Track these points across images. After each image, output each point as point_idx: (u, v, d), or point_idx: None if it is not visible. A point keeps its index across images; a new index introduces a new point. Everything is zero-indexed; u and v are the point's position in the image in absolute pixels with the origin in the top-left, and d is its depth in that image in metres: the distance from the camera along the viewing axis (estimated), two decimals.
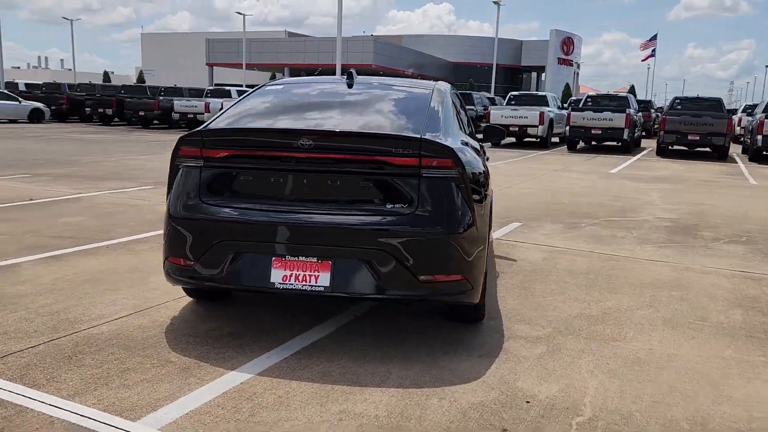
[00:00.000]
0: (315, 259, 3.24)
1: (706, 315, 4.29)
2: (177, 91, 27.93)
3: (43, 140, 17.73)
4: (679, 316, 4.26)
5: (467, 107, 22.17)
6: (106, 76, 60.90)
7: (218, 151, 3.36)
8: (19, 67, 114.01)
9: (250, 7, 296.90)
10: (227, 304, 4.13)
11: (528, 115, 21.20)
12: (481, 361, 3.40)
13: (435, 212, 3.24)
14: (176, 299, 4.15)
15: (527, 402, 2.95)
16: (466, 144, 3.83)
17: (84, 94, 29.57)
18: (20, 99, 26.46)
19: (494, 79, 45.49)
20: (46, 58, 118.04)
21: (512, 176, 12.31)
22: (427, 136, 3.32)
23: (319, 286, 3.23)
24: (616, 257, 5.89)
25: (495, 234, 6.70)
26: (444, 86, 4.34)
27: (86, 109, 27.76)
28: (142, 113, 26.34)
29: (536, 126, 21.03)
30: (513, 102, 23.13)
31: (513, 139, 21.86)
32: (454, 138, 3.68)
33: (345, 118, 3.68)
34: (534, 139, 21.63)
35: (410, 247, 3.21)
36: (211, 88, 30.26)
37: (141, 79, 56.29)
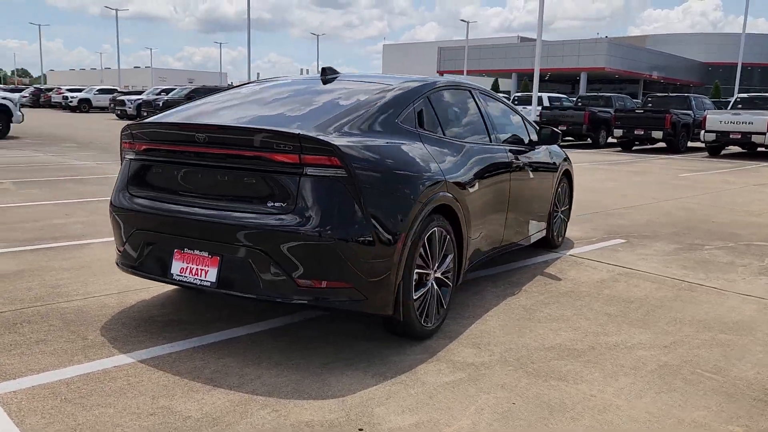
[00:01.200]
0: (206, 254, 3.25)
1: (729, 369, 3.40)
2: None
3: None
4: (689, 363, 3.45)
5: (681, 111, 20.22)
6: None
7: (140, 144, 3.52)
8: None
9: (495, 14, 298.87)
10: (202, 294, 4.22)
11: (753, 120, 18.38)
12: (367, 379, 3.11)
13: (315, 214, 3.05)
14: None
15: (360, 429, 2.64)
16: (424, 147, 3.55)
17: None
18: None
19: (738, 80, 40.10)
20: (307, 70, 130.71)
21: (686, 188, 10.82)
22: (316, 132, 3.11)
23: (206, 281, 3.23)
24: (697, 287, 4.91)
25: (576, 249, 6.00)
26: (418, 85, 3.99)
27: None
28: None
29: (764, 134, 18.16)
30: (739, 105, 20.22)
31: (737, 149, 19.14)
32: (388, 138, 3.41)
33: (258, 113, 3.59)
34: (765, 149, 18.71)
35: (287, 249, 3.05)
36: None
37: None
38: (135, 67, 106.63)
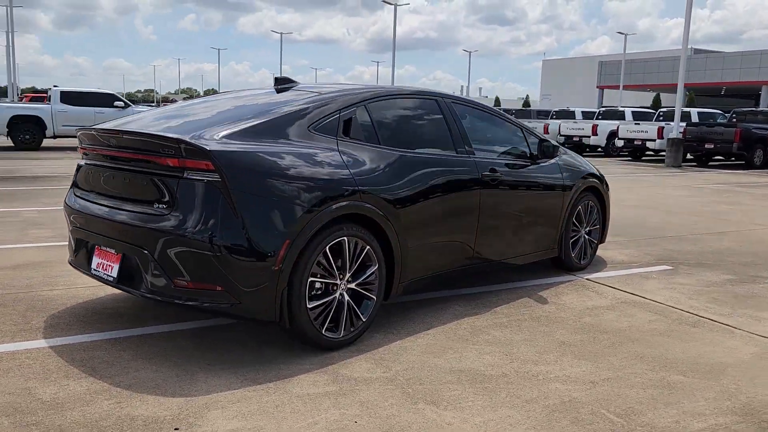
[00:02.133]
0: (113, 251, 3.47)
1: (643, 414, 2.99)
2: (570, 114, 27.44)
3: None
4: (601, 402, 3.08)
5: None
6: (497, 101, 65.12)
7: (82, 149, 3.85)
8: None
9: (676, 25, 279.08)
10: None
11: None
12: (233, 383, 3.13)
13: (188, 217, 3.15)
14: None
15: (176, 429, 2.68)
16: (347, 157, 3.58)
17: None
18: None
19: None
20: (465, 87, 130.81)
21: None
22: (197, 137, 3.20)
23: (110, 277, 3.45)
24: (705, 323, 4.33)
25: (600, 273, 5.52)
26: (354, 94, 3.92)
27: None
28: None
29: None
30: None
31: None
32: (289, 145, 3.43)
33: (172, 121, 3.72)
34: None
35: (164, 250, 3.18)
36: (602, 109, 28.33)
37: (526, 103, 58.61)
38: None
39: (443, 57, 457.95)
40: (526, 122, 25.70)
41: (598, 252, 6.31)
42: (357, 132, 3.81)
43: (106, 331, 3.76)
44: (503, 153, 4.89)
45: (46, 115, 18.32)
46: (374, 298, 3.74)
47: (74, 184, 3.94)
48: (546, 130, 25.18)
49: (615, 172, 16.74)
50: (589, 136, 23.75)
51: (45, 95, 30.72)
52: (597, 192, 5.71)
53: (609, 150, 23.60)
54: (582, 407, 3.01)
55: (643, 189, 12.82)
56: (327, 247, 3.43)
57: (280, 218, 3.26)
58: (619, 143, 22.34)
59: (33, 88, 75.94)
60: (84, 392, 2.97)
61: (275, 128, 3.48)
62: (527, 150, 5.04)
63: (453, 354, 3.62)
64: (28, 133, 18.19)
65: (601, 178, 5.77)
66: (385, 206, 3.71)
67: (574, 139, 24.37)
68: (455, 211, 4.24)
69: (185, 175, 3.19)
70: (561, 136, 24.79)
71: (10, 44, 40.64)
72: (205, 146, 3.14)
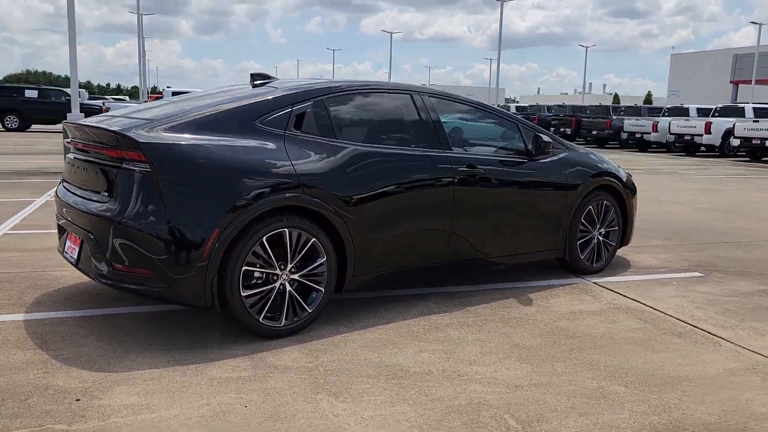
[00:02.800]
0: (77, 236, 3.76)
1: (549, 420, 2.85)
2: (683, 111, 25.41)
3: None
4: (512, 407, 2.95)
5: None
6: (616, 98, 61.77)
7: (67, 142, 4.18)
8: (567, 93, 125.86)
9: None
10: None
11: None
12: (158, 362, 3.30)
13: (122, 204, 3.36)
14: None
15: (77, 399, 2.88)
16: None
17: (551, 115, 31.43)
18: None
19: None
20: (591, 84, 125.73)
21: None
22: (133, 130, 3.40)
23: (73, 258, 3.75)
24: (695, 333, 4.02)
25: (612, 277, 5.23)
26: (311, 89, 3.97)
27: (550, 128, 29.57)
28: (595, 132, 26.60)
29: None
30: None
31: None
32: (230, 138, 3.55)
33: (134, 115, 3.91)
34: None
35: (105, 235, 3.41)
36: (720, 106, 25.18)
37: (648, 100, 55.31)
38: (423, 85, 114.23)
39: (566, 53, 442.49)
40: (634, 120, 24.37)
41: (628, 256, 5.96)
42: (310, 126, 3.86)
43: (79, 309, 4.07)
44: (494, 149, 4.75)
45: None
46: (322, 290, 3.78)
47: (63, 175, 4.30)
48: (655, 128, 23.76)
49: (716, 174, 15.55)
50: (702, 135, 22.12)
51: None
52: (615, 192, 5.38)
53: (724, 150, 21.85)
54: (486, 410, 2.90)
55: (739, 192, 11.81)
56: (264, 238, 3.52)
57: (210, 209, 3.39)
58: (735, 142, 20.62)
59: (154, 88, 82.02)
60: (23, 362, 3.25)
61: (217, 123, 3.61)
62: (523, 146, 4.86)
63: (392, 349, 3.59)
64: None
65: (620, 178, 5.43)
66: (335, 200, 3.73)
67: (685, 137, 22.81)
68: (423, 207, 4.18)
69: (123, 165, 3.40)
70: (671, 134, 23.28)
71: (141, 48, 44.19)
72: (136, 138, 3.34)
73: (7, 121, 24.31)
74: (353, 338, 3.74)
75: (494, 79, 49.24)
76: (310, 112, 3.89)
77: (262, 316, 3.58)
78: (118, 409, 2.80)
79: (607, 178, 5.28)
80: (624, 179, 5.48)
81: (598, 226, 5.30)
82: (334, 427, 2.72)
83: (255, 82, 4.40)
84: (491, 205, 4.54)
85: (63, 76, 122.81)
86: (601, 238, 5.34)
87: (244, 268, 3.49)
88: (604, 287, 4.98)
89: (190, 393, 2.98)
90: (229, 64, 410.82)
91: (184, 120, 3.57)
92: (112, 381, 3.08)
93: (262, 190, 3.50)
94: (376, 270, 4.06)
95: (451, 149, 4.37)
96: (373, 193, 3.92)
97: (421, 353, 3.55)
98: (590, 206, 5.19)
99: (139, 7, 43.50)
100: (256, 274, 3.58)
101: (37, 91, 25.07)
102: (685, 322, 4.21)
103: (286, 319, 3.66)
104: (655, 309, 4.47)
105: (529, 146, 4.84)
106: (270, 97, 3.84)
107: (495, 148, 4.80)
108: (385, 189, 3.99)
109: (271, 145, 3.66)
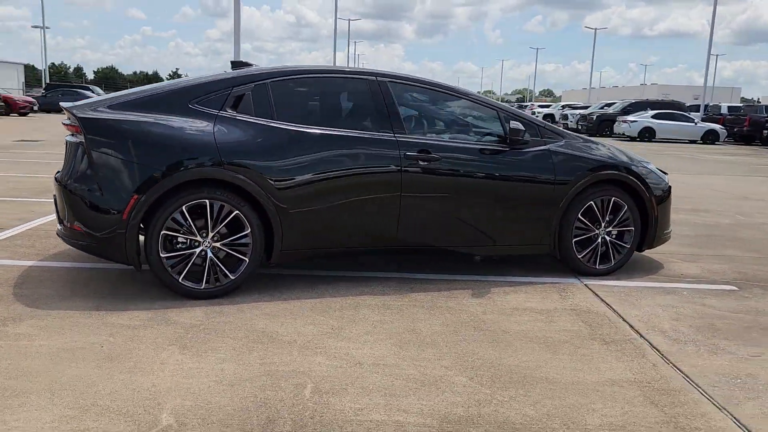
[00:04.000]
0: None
1: (338, 403, 2.87)
2: None
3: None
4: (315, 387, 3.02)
5: None
6: None
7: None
8: None
9: None
10: None
11: None
12: (82, 305, 3.83)
13: (70, 171, 3.97)
14: None
15: None
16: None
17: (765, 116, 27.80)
18: (696, 120, 27.58)
19: None
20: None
21: None
22: (79, 107, 3.96)
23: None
24: (633, 341, 3.63)
25: (621, 281, 4.80)
26: (253, 73, 4.23)
27: (764, 131, 26.36)
28: None
29: None
30: None
31: None
32: (162, 117, 3.95)
33: (111, 97, 4.41)
34: None
35: (61, 198, 4.04)
36: None
37: None
38: (641, 84, 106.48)
39: None
40: None
41: (661, 262, 5.37)
42: (247, 108, 4.14)
43: (66, 261, 4.75)
44: (464, 136, 4.62)
45: None
46: (246, 260, 4.05)
47: None
48: None
49: None
50: None
51: None
52: (629, 189, 4.89)
53: None
54: (298, 378, 2.98)
55: None
56: (184, 207, 3.89)
57: (130, 177, 3.84)
58: None
59: None
60: None
61: (153, 102, 4.04)
62: (502, 134, 4.65)
63: (284, 320, 3.75)
64: None
65: (637, 174, 4.91)
66: (259, 177, 3.98)
67: None
68: (365, 189, 4.23)
69: (74, 137, 4.00)
70: None
71: (334, 51, 47.41)
72: (76, 113, 3.91)
73: None
74: (263, 306, 3.95)
75: (719, 77, 44.41)
76: (250, 94, 4.17)
77: (181, 276, 3.95)
78: (9, 335, 3.36)
79: (613, 172, 4.82)
80: (643, 176, 4.94)
81: (603, 224, 4.87)
82: (149, 371, 3.01)
83: (234, 69, 4.78)
84: (450, 193, 4.44)
85: None
86: (608, 238, 4.90)
87: (164, 232, 3.89)
88: (590, 289, 4.59)
89: (75, 331, 3.45)
90: (447, 65, 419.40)
91: (126, 99, 4.07)
92: (29, 315, 3.66)
93: (181, 163, 3.87)
94: (311, 247, 4.22)
95: (405, 133, 4.37)
96: (303, 172, 4.09)
97: (307, 326, 3.67)
98: (591, 202, 4.79)
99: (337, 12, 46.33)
100: (181, 239, 3.96)
101: None
102: (636, 331, 3.79)
103: (207, 282, 4.00)
104: (620, 315, 4.06)
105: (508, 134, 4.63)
106: (210, 80, 4.20)
107: (466, 135, 4.66)
108: (317, 169, 4.13)
109: (199, 124, 4.00)
